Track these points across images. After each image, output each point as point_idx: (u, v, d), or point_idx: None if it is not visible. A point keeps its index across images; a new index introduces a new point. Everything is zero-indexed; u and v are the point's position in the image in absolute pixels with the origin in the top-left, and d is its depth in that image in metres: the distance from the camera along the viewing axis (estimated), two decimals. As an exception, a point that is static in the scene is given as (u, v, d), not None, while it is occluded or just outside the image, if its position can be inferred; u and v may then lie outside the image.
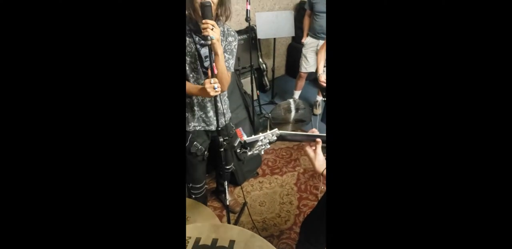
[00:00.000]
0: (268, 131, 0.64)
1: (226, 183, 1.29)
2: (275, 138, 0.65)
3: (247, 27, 2.05)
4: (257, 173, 2.09)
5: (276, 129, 0.66)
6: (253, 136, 0.60)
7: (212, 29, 0.96)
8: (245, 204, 1.82)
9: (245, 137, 0.60)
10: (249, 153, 0.61)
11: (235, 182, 1.92)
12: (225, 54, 1.16)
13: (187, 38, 1.11)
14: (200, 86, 1.09)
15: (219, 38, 1.00)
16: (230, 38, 1.17)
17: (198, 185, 1.45)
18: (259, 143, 0.62)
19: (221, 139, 1.17)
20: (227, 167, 1.61)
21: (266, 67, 2.99)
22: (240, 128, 0.93)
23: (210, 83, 1.01)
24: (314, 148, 0.70)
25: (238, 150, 0.60)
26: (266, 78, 3.05)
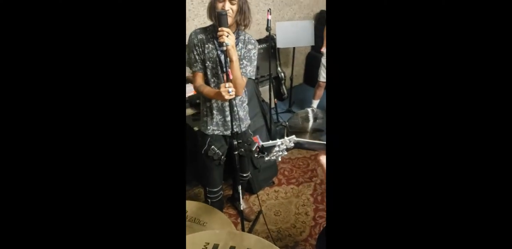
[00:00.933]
0: (286, 137, 0.64)
1: (240, 187, 1.28)
2: (292, 144, 0.64)
3: (267, 36, 2.08)
4: (273, 182, 2.07)
5: (294, 136, 0.65)
6: (270, 141, 0.60)
7: (227, 36, 1.00)
8: (260, 212, 1.80)
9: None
10: (266, 158, 0.61)
11: (250, 190, 1.90)
12: (243, 60, 1.19)
13: (210, 45, 1.16)
14: (216, 90, 1.12)
15: (234, 44, 1.04)
16: (249, 46, 1.20)
17: (215, 189, 1.45)
18: (277, 149, 0.61)
19: (235, 142, 1.17)
20: (244, 174, 1.60)
21: (285, 76, 2.99)
22: (257, 136, 0.93)
23: (225, 87, 1.05)
24: None
25: (256, 155, 0.60)
26: (284, 87, 3.05)
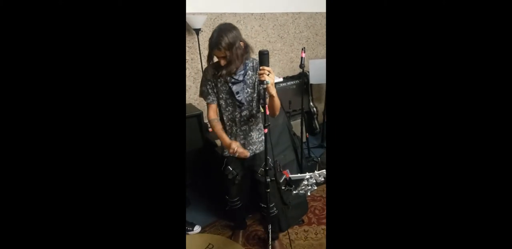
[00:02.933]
0: (316, 171, 0.62)
1: (270, 226, 1.23)
2: (322, 179, 0.62)
3: (300, 73, 2.15)
4: (303, 221, 1.95)
5: (325, 170, 0.63)
6: (299, 174, 0.59)
7: (268, 75, 1.04)
8: (287, 254, 1.68)
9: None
10: (294, 192, 0.59)
11: (279, 227, 1.80)
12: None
13: (222, 79, 1.26)
14: (228, 140, 1.30)
15: (273, 82, 1.10)
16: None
17: (232, 199, 1.59)
18: (305, 183, 0.60)
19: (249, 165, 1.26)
20: (264, 205, 1.59)
21: (317, 111, 3.00)
22: (288, 170, 0.92)
23: (232, 147, 1.22)
24: None
25: (283, 187, 0.59)
26: (316, 121, 3.04)
